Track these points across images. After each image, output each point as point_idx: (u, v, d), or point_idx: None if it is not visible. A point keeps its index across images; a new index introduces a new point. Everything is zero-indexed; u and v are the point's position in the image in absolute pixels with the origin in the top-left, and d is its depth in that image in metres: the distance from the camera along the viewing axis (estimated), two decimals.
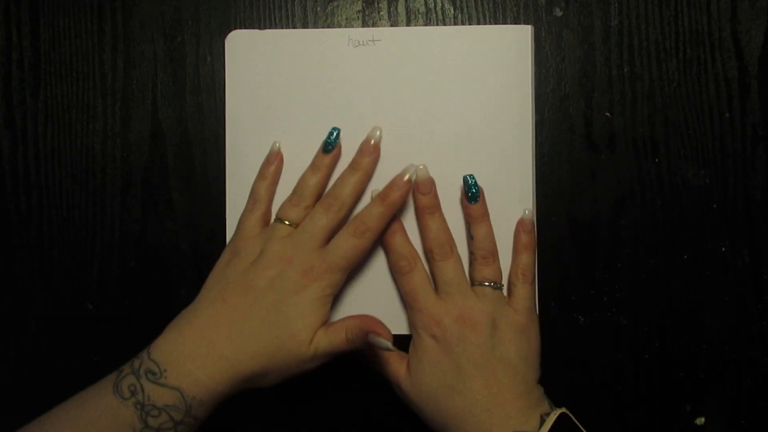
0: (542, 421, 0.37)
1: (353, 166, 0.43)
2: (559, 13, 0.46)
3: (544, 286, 0.45)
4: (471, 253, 0.43)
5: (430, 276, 0.42)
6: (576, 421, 0.38)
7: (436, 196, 0.42)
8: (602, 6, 0.46)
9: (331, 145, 0.43)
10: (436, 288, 0.42)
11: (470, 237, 0.43)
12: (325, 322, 0.39)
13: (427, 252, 0.42)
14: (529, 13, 0.46)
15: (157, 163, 0.46)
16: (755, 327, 0.45)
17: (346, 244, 0.40)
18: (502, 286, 0.42)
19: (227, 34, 0.45)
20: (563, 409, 0.38)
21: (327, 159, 0.43)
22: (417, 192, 0.42)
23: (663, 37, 0.45)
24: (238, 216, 0.44)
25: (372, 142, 0.43)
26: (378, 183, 0.44)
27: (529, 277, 0.42)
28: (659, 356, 0.45)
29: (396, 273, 0.42)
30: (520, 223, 0.43)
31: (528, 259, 0.43)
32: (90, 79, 0.46)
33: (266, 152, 0.44)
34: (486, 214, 0.42)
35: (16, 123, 0.46)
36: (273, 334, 0.38)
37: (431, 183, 0.42)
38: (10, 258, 0.46)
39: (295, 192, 0.43)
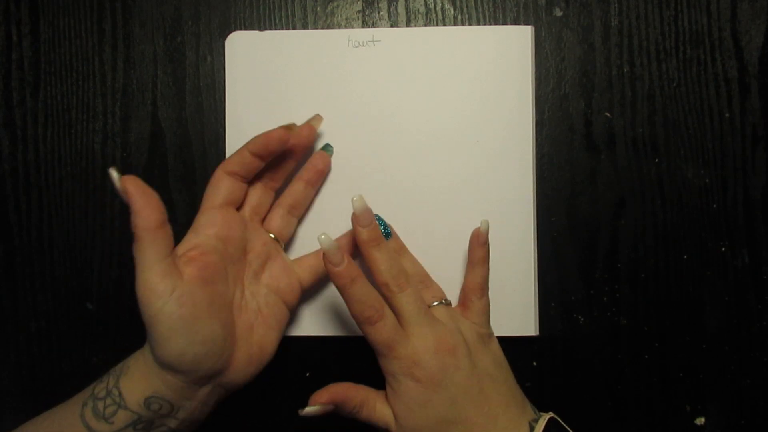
0: (531, 429, 0.37)
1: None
2: (559, 13, 0.46)
3: (544, 286, 0.45)
4: None
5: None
6: (565, 425, 0.38)
7: (377, 227, 0.38)
8: (602, 6, 0.46)
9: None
10: (400, 323, 0.38)
11: None
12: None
13: (381, 287, 0.38)
14: (529, 13, 0.46)
15: (157, 163, 0.46)
16: (755, 327, 0.45)
17: None
18: (449, 301, 0.41)
19: (227, 35, 0.45)
20: (551, 414, 0.38)
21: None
22: (357, 225, 0.38)
23: (663, 37, 0.45)
24: None
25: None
26: (378, 182, 0.44)
27: (485, 290, 0.41)
28: (659, 356, 0.45)
29: (363, 324, 0.37)
30: (476, 236, 0.41)
31: (485, 272, 0.41)
32: (90, 79, 0.46)
33: None
34: (404, 245, 0.43)
35: (16, 123, 0.46)
36: None
37: (370, 214, 0.38)
38: (10, 258, 0.46)
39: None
